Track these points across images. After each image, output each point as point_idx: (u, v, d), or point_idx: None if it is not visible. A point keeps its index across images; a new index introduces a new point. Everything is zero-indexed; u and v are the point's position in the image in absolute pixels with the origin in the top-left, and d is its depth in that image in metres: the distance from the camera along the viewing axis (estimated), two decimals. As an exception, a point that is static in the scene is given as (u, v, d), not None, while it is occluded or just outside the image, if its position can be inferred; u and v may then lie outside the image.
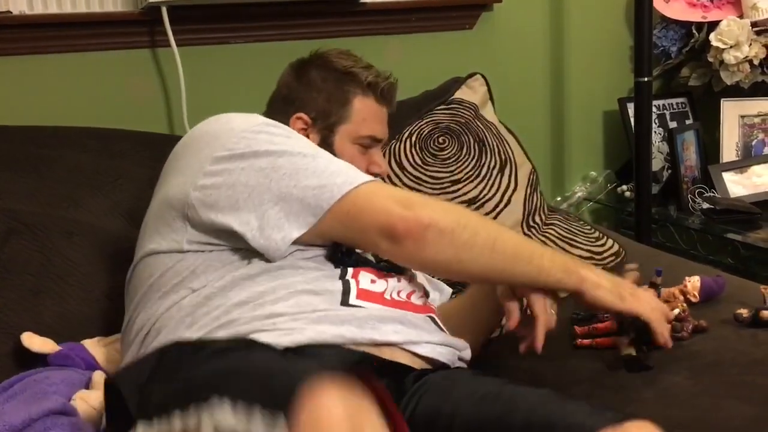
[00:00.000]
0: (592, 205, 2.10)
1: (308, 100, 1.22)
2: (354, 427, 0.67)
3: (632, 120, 1.92)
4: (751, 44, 1.89)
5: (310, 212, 0.98)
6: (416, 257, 0.98)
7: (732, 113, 1.99)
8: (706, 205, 1.88)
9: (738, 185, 1.92)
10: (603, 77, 2.06)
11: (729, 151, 2.00)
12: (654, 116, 2.01)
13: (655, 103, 1.99)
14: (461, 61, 1.83)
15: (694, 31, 1.97)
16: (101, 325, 1.23)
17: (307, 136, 1.18)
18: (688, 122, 2.08)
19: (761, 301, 1.21)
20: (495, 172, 1.55)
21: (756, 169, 1.94)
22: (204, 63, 1.67)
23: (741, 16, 1.93)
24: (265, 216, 0.98)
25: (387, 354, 0.98)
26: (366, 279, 1.04)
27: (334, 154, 1.12)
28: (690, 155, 2.00)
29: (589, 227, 1.59)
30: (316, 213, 0.98)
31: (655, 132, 2.02)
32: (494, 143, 1.57)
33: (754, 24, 1.91)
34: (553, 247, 1.45)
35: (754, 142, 1.99)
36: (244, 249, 1.01)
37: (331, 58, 1.25)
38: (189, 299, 0.99)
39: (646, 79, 1.80)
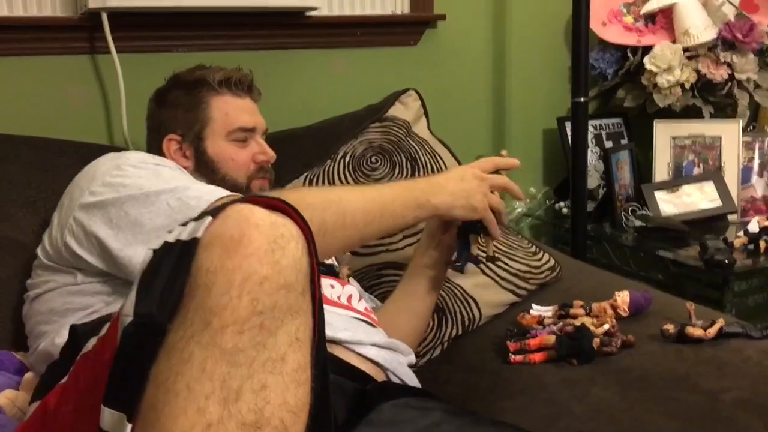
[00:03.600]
0: (532, 220, 2.15)
1: (171, 119, 1.27)
2: (275, 231, 0.70)
3: (570, 139, 1.97)
4: (682, 69, 1.97)
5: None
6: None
7: (664, 134, 2.07)
8: (638, 223, 1.94)
9: (669, 204, 1.99)
10: (542, 96, 2.11)
11: (661, 170, 2.07)
12: (591, 136, 2.07)
13: (591, 123, 2.06)
14: (405, 77, 1.85)
15: (630, 55, 2.03)
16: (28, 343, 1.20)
17: (183, 153, 1.27)
18: (623, 142, 2.15)
19: (687, 317, 1.25)
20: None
21: (686, 188, 2.01)
22: (145, 71, 1.64)
23: (674, 42, 2.01)
24: (136, 253, 1.02)
25: (339, 353, 0.99)
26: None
27: (212, 160, 1.24)
28: (624, 174, 2.06)
29: (527, 242, 1.63)
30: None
31: (592, 151, 2.08)
32: (426, 160, 1.58)
33: (686, 49, 1.99)
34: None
35: (684, 163, 2.07)
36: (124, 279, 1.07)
37: (182, 74, 1.32)
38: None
39: (582, 99, 1.85)
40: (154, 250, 0.74)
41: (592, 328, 1.21)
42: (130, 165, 1.11)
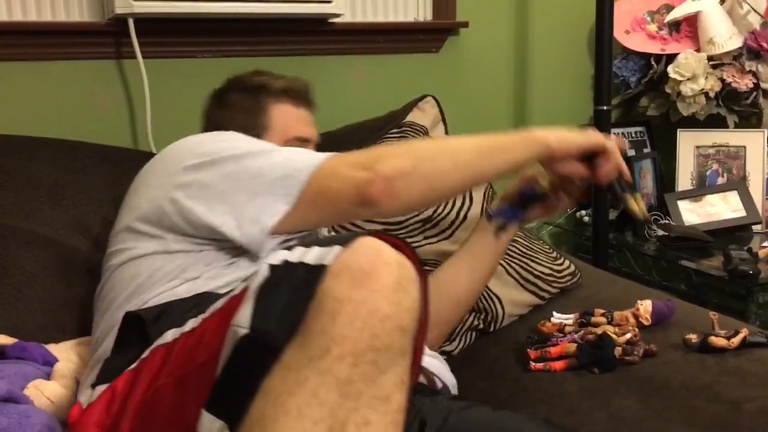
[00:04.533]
0: (552, 228, 2.14)
1: (229, 121, 1.26)
2: (402, 272, 0.72)
3: (592, 147, 1.96)
4: (707, 77, 1.96)
5: (282, 202, 1.00)
6: (396, 209, 1.00)
7: (688, 143, 2.05)
8: (661, 233, 1.92)
9: (692, 213, 1.97)
10: (565, 104, 2.11)
11: (684, 180, 2.05)
12: (613, 144, 2.05)
13: (614, 131, 2.05)
14: (427, 84, 1.86)
15: (653, 63, 2.02)
16: (56, 335, 1.21)
17: None
18: (645, 151, 2.14)
19: (710, 327, 1.24)
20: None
21: (710, 198, 1.99)
22: (170, 76, 1.67)
23: (698, 50, 2.00)
24: (242, 214, 1.01)
25: None
26: None
27: None
28: (647, 183, 2.05)
29: (548, 247, 1.62)
30: (288, 201, 1.00)
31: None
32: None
33: (710, 58, 1.98)
34: (515, 261, 1.48)
35: (708, 172, 2.05)
36: (230, 247, 1.04)
37: (244, 78, 1.32)
38: (183, 287, 1.02)
39: (605, 107, 1.84)
40: (272, 266, 0.75)
41: (613, 336, 1.21)
42: (229, 133, 1.13)
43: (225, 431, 0.71)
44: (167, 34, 1.65)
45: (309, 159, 1.02)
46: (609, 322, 1.27)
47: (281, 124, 1.26)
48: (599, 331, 1.23)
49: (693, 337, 1.21)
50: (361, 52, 1.86)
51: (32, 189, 1.34)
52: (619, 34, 2.00)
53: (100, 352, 1.02)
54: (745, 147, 2.02)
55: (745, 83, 1.96)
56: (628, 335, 1.21)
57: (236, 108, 1.28)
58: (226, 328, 0.75)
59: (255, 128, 1.25)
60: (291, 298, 0.72)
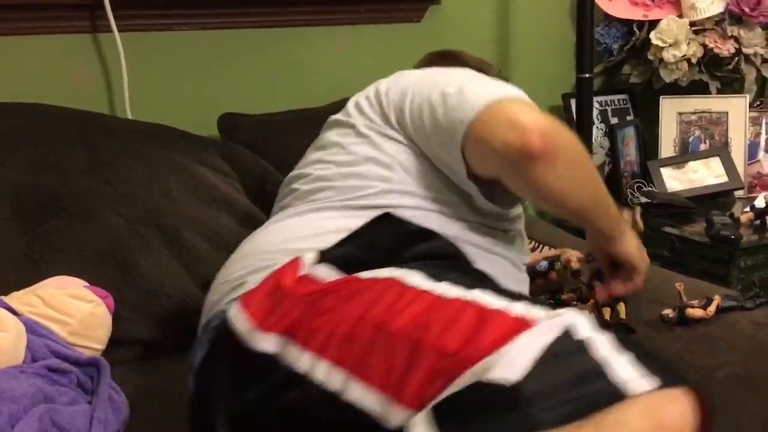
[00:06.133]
0: (536, 198, 2.14)
1: None
2: None
3: (575, 115, 1.96)
4: (689, 43, 1.95)
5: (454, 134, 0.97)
6: (550, 172, 0.94)
7: (670, 110, 2.05)
8: (644, 199, 1.93)
9: (675, 180, 1.98)
10: (547, 73, 2.10)
11: (667, 146, 2.06)
12: (596, 112, 2.05)
13: (597, 99, 2.04)
14: (408, 54, 1.83)
15: (636, 30, 2.02)
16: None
17: None
18: (628, 118, 2.14)
19: (677, 299, 1.23)
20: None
21: (692, 164, 2.00)
22: (147, 49, 1.64)
23: (680, 16, 1.99)
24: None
25: None
26: None
27: None
28: (630, 150, 2.05)
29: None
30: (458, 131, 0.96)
31: (597, 127, 2.07)
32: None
33: (692, 23, 1.97)
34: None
35: (690, 139, 2.06)
36: None
37: (463, 55, 1.33)
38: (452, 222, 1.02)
39: (587, 75, 1.84)
40: (565, 331, 0.71)
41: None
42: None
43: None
44: (144, 7, 1.62)
45: (491, 90, 0.98)
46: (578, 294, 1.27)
47: None
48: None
49: (669, 312, 1.21)
50: (343, 23, 1.84)
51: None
52: (601, 0, 1.99)
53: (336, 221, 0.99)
54: (727, 113, 2.02)
55: (727, 48, 1.96)
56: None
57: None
58: (500, 342, 0.71)
59: None
60: (575, 390, 0.67)
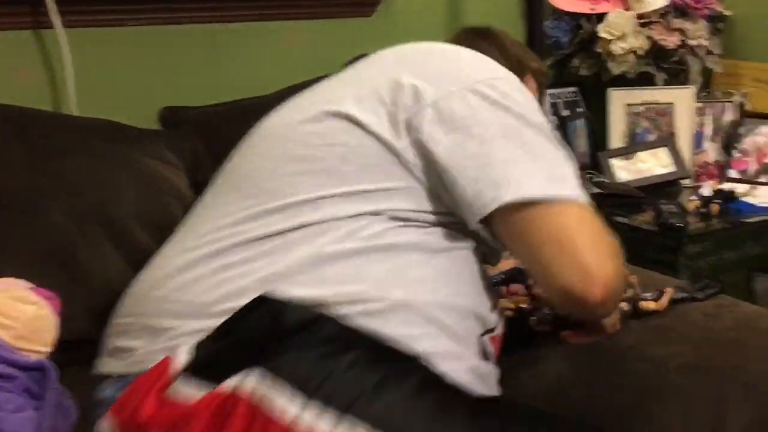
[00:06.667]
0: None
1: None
2: None
3: (527, 108, 1.98)
4: (636, 36, 1.99)
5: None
6: (599, 314, 0.94)
7: (619, 102, 2.09)
8: (595, 190, 1.96)
9: (624, 171, 2.02)
10: (499, 66, 2.11)
11: (616, 138, 2.10)
12: (548, 105, 2.08)
13: (548, 92, 2.07)
14: (359, 49, 1.83)
15: (584, 23, 2.05)
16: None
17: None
18: (579, 110, 2.17)
19: (630, 290, 1.22)
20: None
21: (641, 155, 2.04)
22: (94, 46, 1.60)
23: (627, 9, 2.03)
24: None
25: None
26: None
27: None
28: (581, 142, 2.08)
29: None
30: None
31: (549, 120, 2.09)
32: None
33: (639, 16, 2.01)
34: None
35: (639, 130, 2.10)
36: None
37: (506, 42, 1.20)
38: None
39: (538, 68, 1.86)
40: None
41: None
42: (515, 90, 0.95)
43: None
44: (89, 2, 1.59)
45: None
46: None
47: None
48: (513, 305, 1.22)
49: (624, 306, 1.20)
50: (294, 17, 1.83)
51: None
52: (550, -6, 2.02)
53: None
54: (673, 104, 2.07)
55: (672, 41, 2.00)
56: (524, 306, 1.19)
57: (505, 56, 1.12)
58: None
59: None
60: None
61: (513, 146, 0.88)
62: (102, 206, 1.29)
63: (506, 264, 1.26)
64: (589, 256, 0.83)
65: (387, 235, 0.86)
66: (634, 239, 1.81)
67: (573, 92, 2.19)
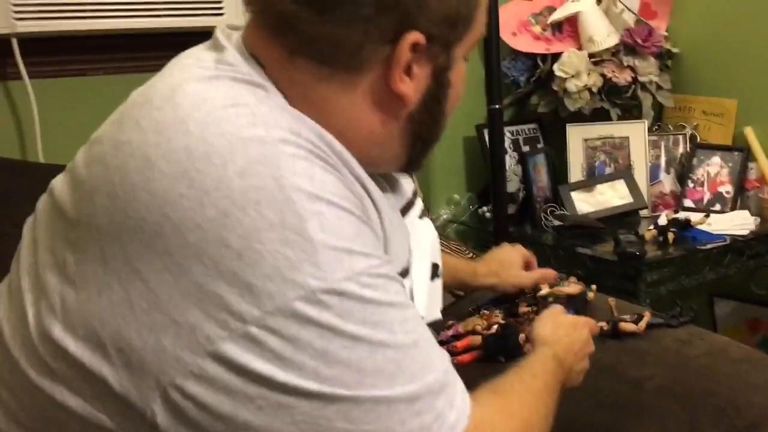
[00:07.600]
0: (457, 226, 2.21)
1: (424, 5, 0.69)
2: None
3: (488, 144, 2.04)
4: (589, 74, 2.07)
5: None
6: None
7: (576, 137, 2.16)
8: (557, 223, 2.02)
9: (584, 203, 2.08)
10: (461, 105, 2.16)
11: (576, 171, 2.16)
12: (508, 141, 2.15)
13: (508, 129, 2.13)
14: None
15: (540, 62, 2.12)
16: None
17: (409, 73, 0.72)
18: (539, 146, 2.24)
19: (610, 313, 1.30)
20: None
21: (599, 187, 2.10)
22: (59, 96, 1.63)
23: (580, 48, 2.11)
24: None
25: None
26: None
27: (448, 94, 0.78)
28: (542, 176, 2.14)
29: (464, 247, 1.69)
30: None
31: (510, 156, 2.16)
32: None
33: (591, 55, 2.09)
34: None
35: (597, 163, 2.17)
36: None
37: None
38: None
39: (497, 106, 1.92)
40: None
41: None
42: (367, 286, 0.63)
43: None
44: (54, 53, 1.61)
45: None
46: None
47: (483, 18, 0.79)
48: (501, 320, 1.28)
49: (603, 325, 1.24)
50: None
51: None
52: (506, 36, 2.09)
53: None
54: (628, 138, 2.14)
55: (624, 77, 2.08)
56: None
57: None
58: None
59: (461, 21, 0.75)
60: None
61: None
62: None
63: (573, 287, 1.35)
64: None
65: None
66: (596, 269, 1.86)
67: (533, 128, 2.26)
